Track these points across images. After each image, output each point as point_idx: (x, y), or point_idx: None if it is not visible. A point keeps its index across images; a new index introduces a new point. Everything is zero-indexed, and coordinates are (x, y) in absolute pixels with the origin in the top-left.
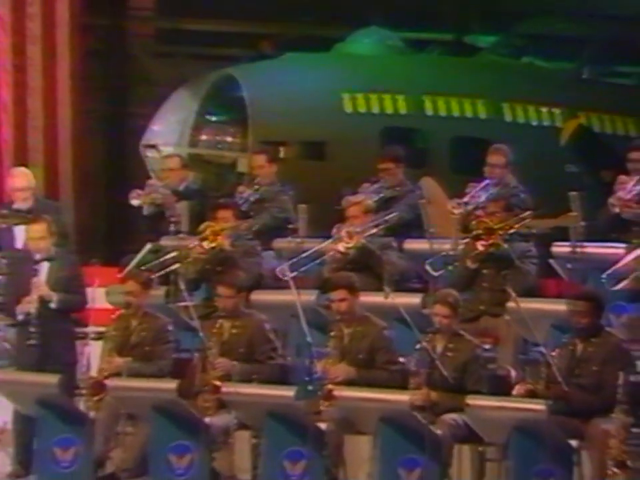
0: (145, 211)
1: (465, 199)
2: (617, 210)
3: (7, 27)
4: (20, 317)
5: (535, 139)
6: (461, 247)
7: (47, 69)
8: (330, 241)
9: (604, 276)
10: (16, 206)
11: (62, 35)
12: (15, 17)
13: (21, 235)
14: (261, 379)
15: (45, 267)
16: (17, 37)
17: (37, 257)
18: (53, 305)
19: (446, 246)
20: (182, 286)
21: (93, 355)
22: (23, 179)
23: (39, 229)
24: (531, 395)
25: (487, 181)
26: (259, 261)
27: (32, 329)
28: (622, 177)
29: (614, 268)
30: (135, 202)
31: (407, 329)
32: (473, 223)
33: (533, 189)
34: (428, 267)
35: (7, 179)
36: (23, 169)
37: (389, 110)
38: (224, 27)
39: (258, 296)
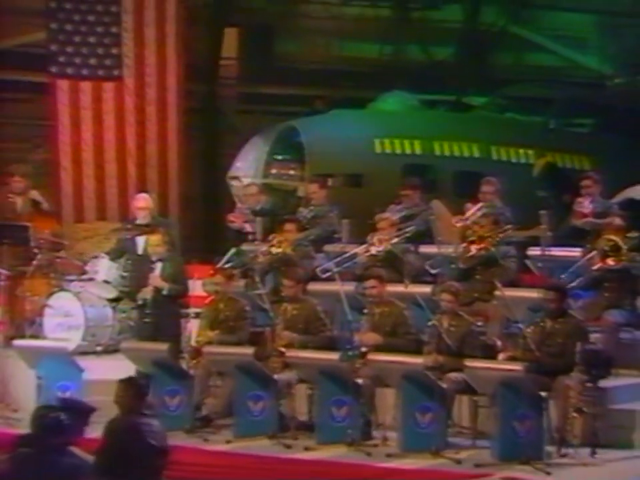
0: (233, 227)
1: (464, 217)
2: (577, 221)
3: (131, 92)
4: (140, 302)
5: (514, 172)
6: (460, 250)
7: (160, 123)
8: (365, 246)
9: (563, 276)
10: (138, 221)
11: (171, 98)
12: (136, 85)
13: (140, 242)
14: (314, 346)
15: (158, 266)
16: (138, 99)
17: (153, 258)
18: (164, 292)
19: (449, 250)
20: (257, 279)
21: (193, 329)
22: (144, 202)
23: (155, 238)
24: (512, 359)
25: (480, 204)
26: (312, 261)
27: (148, 310)
28: (579, 199)
29: (572, 269)
30: (233, 225)
31: (421, 310)
32: (469, 232)
33: (513, 208)
34: (427, 266)
35: (132, 202)
36: (143, 194)
37: (408, 151)
38: (288, 90)
39: (312, 286)
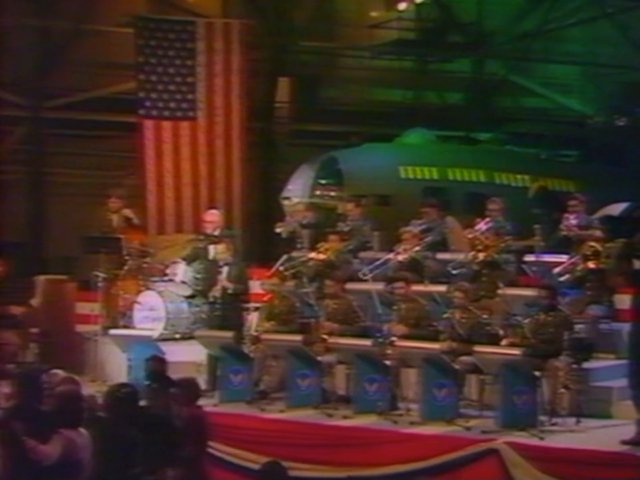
0: (283, 235)
1: (473, 230)
2: (565, 233)
3: (203, 129)
4: (211, 298)
5: (514, 194)
6: (469, 257)
7: (226, 154)
8: (392, 253)
9: (554, 272)
10: (208, 233)
11: (235, 134)
12: (207, 123)
13: (210, 250)
14: (351, 334)
15: (225, 269)
16: (209, 135)
17: (221, 263)
18: (230, 291)
19: (461, 256)
20: (304, 279)
21: (253, 320)
22: (213, 216)
23: (222, 246)
24: (512, 345)
25: (486, 219)
26: (350, 266)
27: (218, 305)
28: (566, 215)
29: (560, 268)
30: (278, 230)
31: (437, 305)
32: (477, 242)
33: (513, 223)
34: (449, 268)
35: (203, 218)
36: (213, 211)
37: (427, 176)
38: (329, 127)
39: (350, 286)
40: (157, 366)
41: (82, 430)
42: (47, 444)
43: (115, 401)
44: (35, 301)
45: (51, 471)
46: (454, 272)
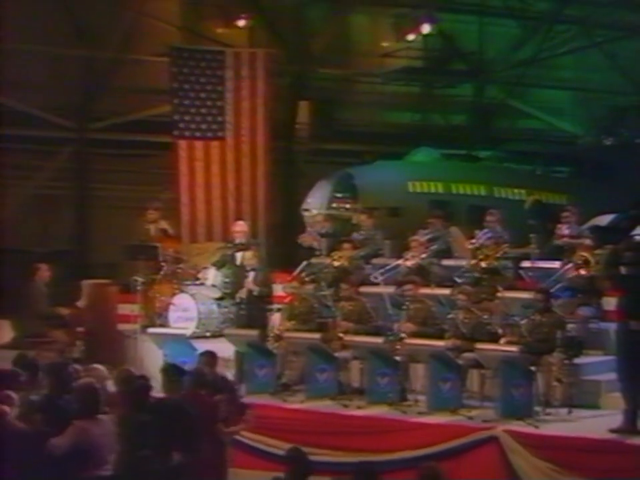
0: (304, 245)
1: (474, 240)
2: (558, 241)
3: (231, 148)
4: (238, 300)
5: (511, 206)
6: (471, 264)
7: (252, 170)
8: (402, 260)
9: (549, 281)
10: (236, 241)
11: (260, 152)
12: (235, 143)
13: (238, 257)
14: (364, 333)
15: (251, 274)
16: (236, 153)
17: (248, 268)
18: (255, 293)
19: (463, 263)
20: (322, 283)
21: (276, 320)
22: (240, 227)
23: (249, 254)
24: (510, 343)
25: (485, 230)
26: (363, 271)
27: (243, 305)
28: (559, 225)
29: (554, 277)
30: (300, 241)
31: (443, 307)
32: (478, 251)
33: (510, 232)
34: (455, 277)
35: (231, 228)
36: (240, 221)
37: (433, 190)
38: (345, 146)
39: (363, 289)
40: (209, 359)
41: (100, 417)
42: (59, 436)
43: (131, 390)
44: (81, 303)
45: (62, 460)
46: (458, 281)
